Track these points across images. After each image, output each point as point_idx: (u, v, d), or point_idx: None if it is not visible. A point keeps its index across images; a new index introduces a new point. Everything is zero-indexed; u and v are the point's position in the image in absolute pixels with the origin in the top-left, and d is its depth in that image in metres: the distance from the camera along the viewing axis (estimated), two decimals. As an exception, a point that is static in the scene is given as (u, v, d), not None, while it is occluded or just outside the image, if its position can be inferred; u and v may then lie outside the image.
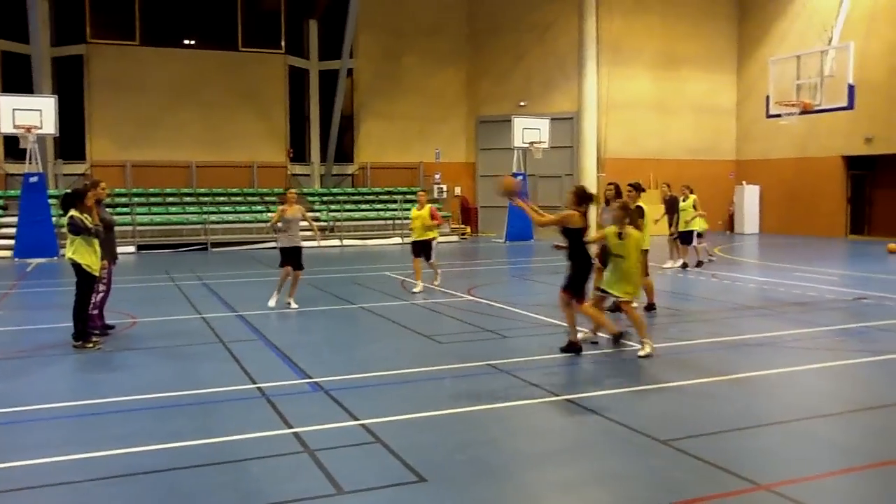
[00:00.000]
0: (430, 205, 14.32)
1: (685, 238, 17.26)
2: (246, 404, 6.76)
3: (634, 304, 11.49)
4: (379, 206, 27.77)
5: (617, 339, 8.54)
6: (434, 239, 14.01)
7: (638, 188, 11.43)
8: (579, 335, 8.91)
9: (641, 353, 8.45)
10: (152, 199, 25.68)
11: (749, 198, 29.90)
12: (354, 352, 9.03)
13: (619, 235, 8.66)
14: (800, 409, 6.69)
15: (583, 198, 8.70)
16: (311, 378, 7.58)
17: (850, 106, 20.47)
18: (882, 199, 26.92)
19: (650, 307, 11.41)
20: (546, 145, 26.43)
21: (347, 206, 27.16)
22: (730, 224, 30.81)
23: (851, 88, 20.14)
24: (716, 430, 5.99)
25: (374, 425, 6.05)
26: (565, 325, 8.85)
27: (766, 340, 9.43)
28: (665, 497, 4.75)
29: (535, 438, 5.94)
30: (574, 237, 8.62)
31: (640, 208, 11.08)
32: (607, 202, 11.99)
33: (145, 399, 6.91)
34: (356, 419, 6.23)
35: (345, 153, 29.87)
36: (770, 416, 6.47)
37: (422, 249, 13.83)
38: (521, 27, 29.65)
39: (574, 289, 8.60)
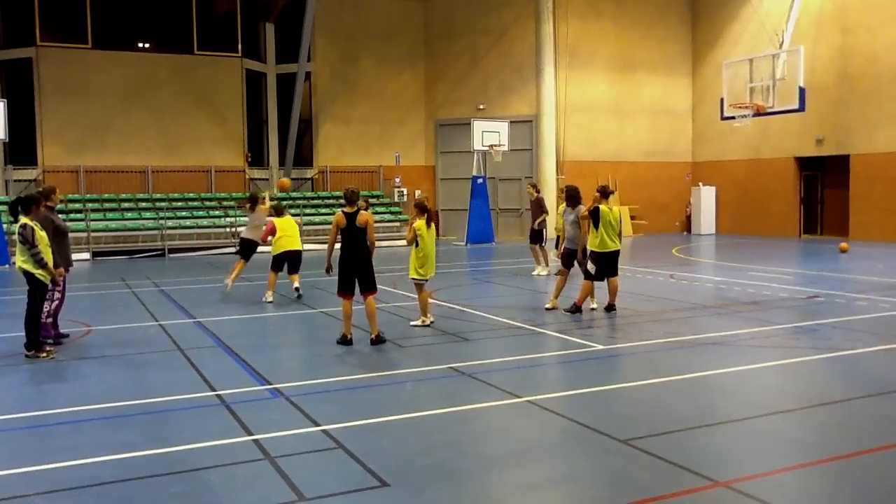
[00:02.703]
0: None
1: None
2: (204, 412, 6.66)
3: (594, 306, 11.68)
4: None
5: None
6: None
7: (603, 192, 11.55)
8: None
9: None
10: (107, 205, 25.21)
11: (705, 199, 30.35)
12: (315, 357, 8.96)
13: None
14: (756, 406, 6.80)
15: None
16: (270, 384, 7.50)
17: (801, 108, 20.91)
18: (833, 199, 27.54)
19: (610, 308, 11.52)
20: (505, 148, 26.53)
21: (307, 210, 26.97)
22: (687, 225, 31.26)
23: (802, 91, 20.57)
24: (675, 428, 6.06)
25: (336, 430, 6.01)
26: (528, 327, 8.88)
27: (722, 339, 9.57)
28: (625, 496, 4.78)
29: (496, 440, 5.94)
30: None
31: (595, 210, 11.23)
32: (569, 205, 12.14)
33: (98, 409, 6.77)
34: (317, 425, 6.17)
35: (304, 157, 29.67)
36: (727, 413, 6.57)
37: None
38: (478, 31, 29.77)
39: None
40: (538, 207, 17.06)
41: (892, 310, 11.53)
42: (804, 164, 27.94)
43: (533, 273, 16.51)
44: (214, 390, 7.32)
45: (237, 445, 5.74)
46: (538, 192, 17.60)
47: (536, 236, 16.83)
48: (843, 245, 21.82)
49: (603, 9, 30.01)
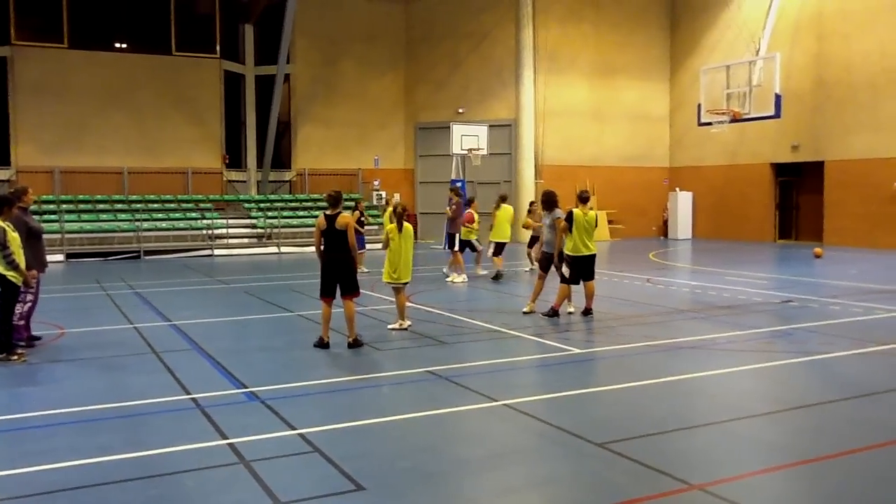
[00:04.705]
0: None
1: (499, 248, 16.67)
2: (179, 416, 6.60)
3: (571, 310, 11.72)
4: (317, 212, 27.45)
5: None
6: None
7: (581, 197, 11.64)
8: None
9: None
10: (82, 206, 24.94)
11: (682, 204, 30.58)
12: (291, 360, 8.90)
13: None
14: (732, 409, 6.85)
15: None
16: (246, 388, 7.45)
17: (777, 115, 21.14)
18: (808, 205, 27.84)
19: (587, 311, 11.56)
20: (484, 152, 26.57)
21: (285, 213, 26.84)
22: (663, 230, 31.46)
23: (778, 98, 20.80)
24: (650, 431, 6.09)
25: (312, 434, 5.98)
26: (505, 330, 8.89)
27: (698, 343, 9.64)
28: (601, 499, 4.80)
29: (473, 444, 5.94)
30: None
31: (569, 215, 11.31)
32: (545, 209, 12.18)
33: (72, 412, 6.68)
34: (293, 428, 6.14)
35: (282, 159, 29.54)
36: (703, 417, 6.61)
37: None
38: (459, 35, 29.81)
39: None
40: (457, 212, 17.04)
41: (865, 314, 11.67)
42: (780, 169, 28.23)
43: (447, 280, 16.21)
44: (190, 394, 7.25)
45: (212, 449, 5.69)
46: (459, 196, 17.60)
47: (453, 241, 16.77)
48: (818, 250, 22.07)
49: (583, 14, 30.15)
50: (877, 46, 24.56)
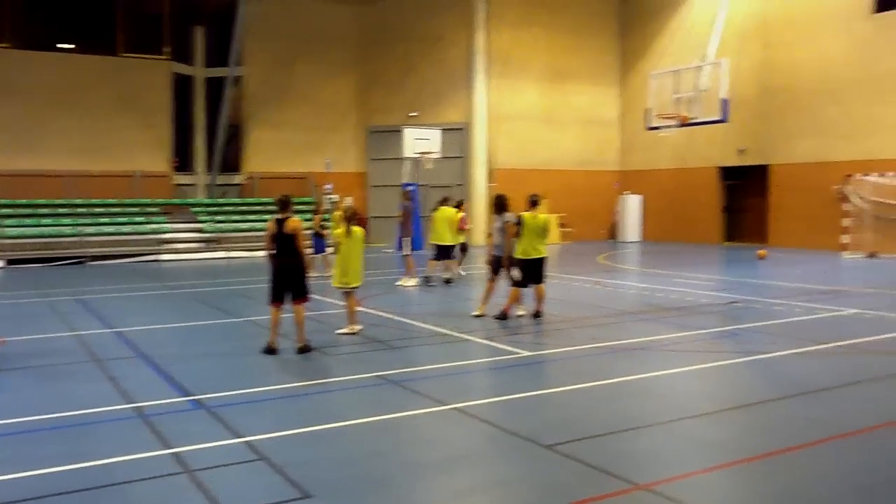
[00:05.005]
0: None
1: (440, 252, 16.35)
2: (122, 425, 6.45)
3: (521, 313, 11.78)
4: (268, 216, 27.16)
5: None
6: None
7: (531, 201, 11.75)
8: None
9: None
10: (22, 211, 24.27)
11: (632, 207, 31.00)
12: (239, 367, 8.78)
13: None
14: (678, 409, 6.95)
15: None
16: (192, 395, 7.32)
17: (724, 119, 21.51)
18: (753, 208, 28.42)
19: (537, 314, 11.63)
20: (437, 156, 26.57)
21: (234, 217, 26.51)
22: (614, 232, 31.86)
23: (725, 102, 21.17)
24: (599, 432, 6.15)
25: (259, 442, 5.90)
26: (455, 334, 8.89)
27: (646, 344, 9.76)
28: (550, 501, 4.84)
29: (423, 448, 5.93)
30: None
31: (518, 218, 11.40)
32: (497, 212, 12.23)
33: (11, 424, 6.48)
34: (240, 436, 6.05)
35: (232, 163, 29.15)
36: (650, 417, 6.69)
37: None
38: (412, 38, 29.80)
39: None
40: (410, 216, 17.03)
41: (807, 314, 11.96)
42: (727, 173, 28.79)
43: (397, 283, 16.17)
44: (133, 402, 7.10)
45: (156, 459, 5.57)
46: (408, 199, 17.62)
47: (409, 246, 16.70)
48: (762, 252, 22.56)
49: (535, 19, 30.38)
50: (819, 54, 25.23)
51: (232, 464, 5.50)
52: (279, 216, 9.25)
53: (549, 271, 12.22)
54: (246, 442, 5.91)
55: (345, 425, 6.37)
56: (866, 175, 23.17)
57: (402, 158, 26.71)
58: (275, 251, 9.24)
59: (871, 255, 22.34)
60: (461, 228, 17.01)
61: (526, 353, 9.30)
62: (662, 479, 5.15)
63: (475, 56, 28.82)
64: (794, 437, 6.06)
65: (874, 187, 23.07)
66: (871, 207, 23.19)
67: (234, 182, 29.23)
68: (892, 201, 22.67)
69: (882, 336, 10.12)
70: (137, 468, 5.37)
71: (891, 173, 22.53)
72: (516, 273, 11.54)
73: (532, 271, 11.55)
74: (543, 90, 30.68)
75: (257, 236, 24.65)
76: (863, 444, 5.91)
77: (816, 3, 25.44)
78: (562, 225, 30.10)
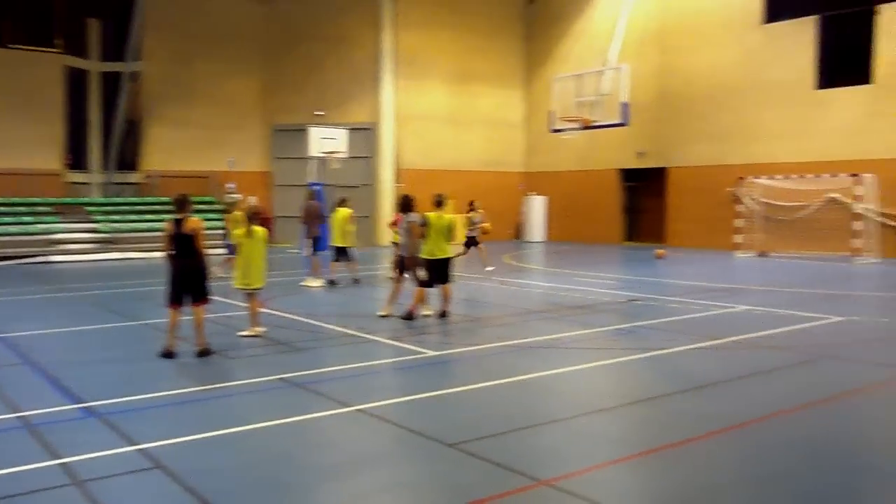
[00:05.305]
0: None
1: (341, 253, 16.09)
2: (5, 436, 6.10)
3: (427, 313, 11.79)
4: (167, 216, 26.31)
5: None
6: None
7: (436, 201, 11.78)
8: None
9: None
10: None
11: (536, 208, 31.55)
12: (134, 372, 8.43)
13: None
14: (579, 405, 7.08)
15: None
16: (83, 402, 6.99)
17: (625, 123, 22.16)
18: (652, 209, 29.38)
19: (443, 314, 11.66)
20: (344, 155, 26.35)
21: (131, 217, 25.57)
22: (519, 233, 32.34)
23: (625, 106, 21.80)
24: (502, 430, 6.19)
25: (155, 449, 5.68)
26: (361, 334, 8.81)
27: (549, 343, 9.93)
28: (453, 500, 4.83)
29: (326, 452, 5.84)
30: None
31: (424, 219, 11.43)
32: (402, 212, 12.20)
33: None
34: (134, 444, 5.81)
35: (129, 161, 28.08)
36: (552, 414, 6.80)
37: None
38: (318, 37, 29.43)
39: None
40: (315, 216, 16.85)
41: (702, 311, 12.42)
42: (627, 175, 29.67)
43: (301, 284, 15.96)
44: (18, 412, 6.72)
45: (42, 471, 5.28)
46: (312, 199, 17.48)
47: (315, 247, 16.45)
48: (660, 251, 23.34)
49: (442, 20, 30.52)
50: (713, 62, 26.30)
51: (125, 473, 5.28)
52: (177, 216, 8.96)
53: (456, 271, 12.28)
54: (140, 450, 5.68)
55: (245, 430, 6.21)
56: (757, 178, 24.29)
57: (307, 158, 26.37)
58: (173, 252, 8.94)
59: (762, 255, 23.43)
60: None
61: (432, 353, 9.30)
62: (564, 474, 5.23)
63: (382, 56, 28.75)
64: (691, 429, 6.26)
65: (764, 189, 24.22)
66: (761, 209, 24.33)
67: (132, 181, 28.18)
68: (781, 203, 23.85)
69: (771, 331, 10.60)
70: (21, 481, 5.08)
71: (780, 176, 23.68)
72: (422, 273, 11.55)
73: (438, 271, 11.58)
74: (450, 91, 30.87)
75: (156, 237, 23.84)
76: (755, 435, 6.15)
77: (710, 12, 26.51)
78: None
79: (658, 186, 28.31)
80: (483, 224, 18.38)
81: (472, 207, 18.85)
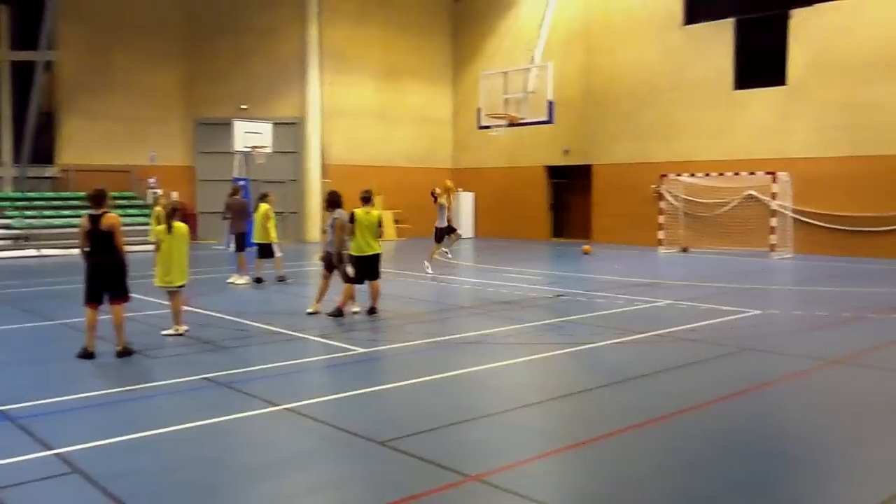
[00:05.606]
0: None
1: (264, 251, 15.62)
2: None
3: (356, 309, 11.71)
4: (84, 212, 25.45)
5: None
6: None
7: (363, 197, 11.71)
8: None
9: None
10: None
11: (465, 204, 31.68)
12: (51, 373, 8.11)
13: None
14: (507, 401, 7.13)
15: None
16: (-6, 406, 6.69)
17: (550, 120, 22.43)
18: (577, 205, 29.87)
19: (372, 311, 11.60)
20: (269, 150, 25.96)
21: (47, 213, 24.63)
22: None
23: (551, 104, 22.07)
24: (432, 427, 6.19)
25: (72, 454, 5.48)
26: (289, 332, 8.67)
27: (478, 338, 9.97)
28: (383, 497, 4.79)
29: (253, 452, 5.72)
30: None
31: (351, 215, 11.35)
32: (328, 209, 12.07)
33: None
34: (50, 448, 5.59)
35: (44, 154, 27.00)
36: (480, 409, 6.83)
37: None
38: (242, 29, 28.85)
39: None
40: (240, 212, 16.56)
41: (626, 305, 12.68)
42: (553, 172, 30.06)
43: (228, 281, 15.64)
44: (-76, 417, 6.39)
45: (-51, 478, 5.04)
46: (237, 194, 17.21)
47: (240, 243, 16.16)
48: (586, 247, 23.74)
49: (370, 16, 30.34)
50: (636, 61, 26.86)
51: (41, 479, 5.07)
52: (93, 212, 8.65)
53: (385, 267, 12.22)
54: (57, 454, 5.47)
55: (168, 431, 6.05)
56: (679, 175, 24.94)
57: (232, 152, 25.90)
58: (89, 249, 8.64)
59: (684, 250, 24.08)
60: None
61: (361, 350, 9.25)
62: (493, 469, 5.25)
63: (308, 50, 28.41)
64: (617, 422, 6.38)
65: (686, 187, 24.89)
66: (682, 205, 25.00)
67: (47, 175, 27.11)
68: (701, 200, 24.55)
69: (693, 325, 10.89)
70: (-73, 490, 4.83)
71: (700, 174, 24.37)
72: (349, 269, 11.46)
73: (366, 268, 11.52)
74: (378, 87, 30.72)
75: (73, 233, 23.05)
76: (677, 426, 6.31)
77: (633, 11, 27.05)
78: (397, 221, 30.26)
79: (584, 183, 28.77)
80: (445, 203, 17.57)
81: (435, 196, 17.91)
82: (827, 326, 10.90)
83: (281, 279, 15.78)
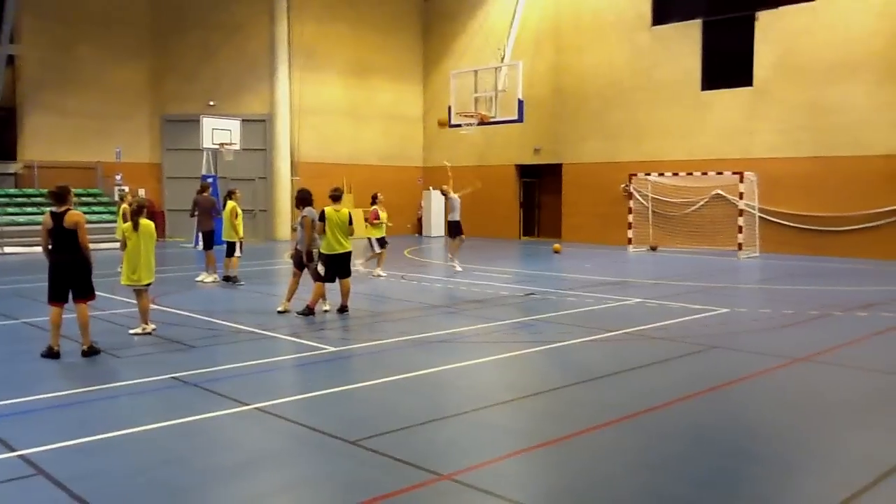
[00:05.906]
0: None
1: (230, 248, 15.26)
2: None
3: (327, 308, 11.65)
4: (48, 209, 25.02)
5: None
6: None
7: (333, 195, 11.66)
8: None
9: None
10: None
11: (435, 203, 31.62)
12: (13, 373, 7.95)
13: None
14: (478, 399, 7.13)
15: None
16: (-45, 407, 6.54)
17: (520, 119, 22.48)
18: (548, 204, 30.01)
19: (343, 309, 11.55)
20: (237, 147, 25.74)
21: (10, 210, 24.18)
22: (418, 227, 32.40)
23: (521, 103, 22.12)
24: (403, 425, 6.17)
25: (36, 455, 5.37)
26: (259, 331, 8.59)
27: (449, 337, 9.97)
28: (354, 497, 4.76)
29: (222, 452, 5.66)
30: None
31: (321, 213, 11.28)
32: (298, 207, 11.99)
33: None
34: (12, 450, 5.48)
35: (6, 150, 26.51)
36: (452, 408, 6.82)
37: None
38: (210, 25, 28.57)
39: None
40: (208, 209, 16.40)
41: (597, 304, 12.75)
42: (524, 171, 30.16)
43: (196, 280, 15.45)
44: None
45: None
46: (205, 191, 17.04)
47: (208, 241, 15.92)
48: (557, 246, 23.86)
49: (339, 13, 30.19)
50: (605, 61, 27.03)
51: (4, 481, 4.96)
52: (55, 209, 8.50)
53: (355, 266, 12.16)
54: (21, 456, 5.37)
55: (136, 432, 5.96)
56: (647, 175, 25.16)
57: (200, 149, 25.65)
58: (52, 247, 8.49)
59: (653, 249, 24.30)
60: (371, 221, 16.74)
61: (332, 349, 9.20)
62: (465, 468, 5.25)
63: (277, 47, 28.23)
64: (588, 420, 6.41)
65: (654, 186, 25.11)
66: (651, 205, 25.22)
67: (10, 171, 26.61)
68: (670, 199, 24.79)
69: (663, 323, 10.99)
70: None
71: (669, 173, 24.60)
72: (319, 268, 11.39)
73: (338, 266, 11.46)
74: (348, 85, 30.60)
75: (36, 230, 22.66)
76: (647, 424, 6.35)
77: (602, 12, 27.21)
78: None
79: (554, 182, 28.90)
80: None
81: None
82: (793, 324, 11.05)
83: (229, 279, 15.21)
